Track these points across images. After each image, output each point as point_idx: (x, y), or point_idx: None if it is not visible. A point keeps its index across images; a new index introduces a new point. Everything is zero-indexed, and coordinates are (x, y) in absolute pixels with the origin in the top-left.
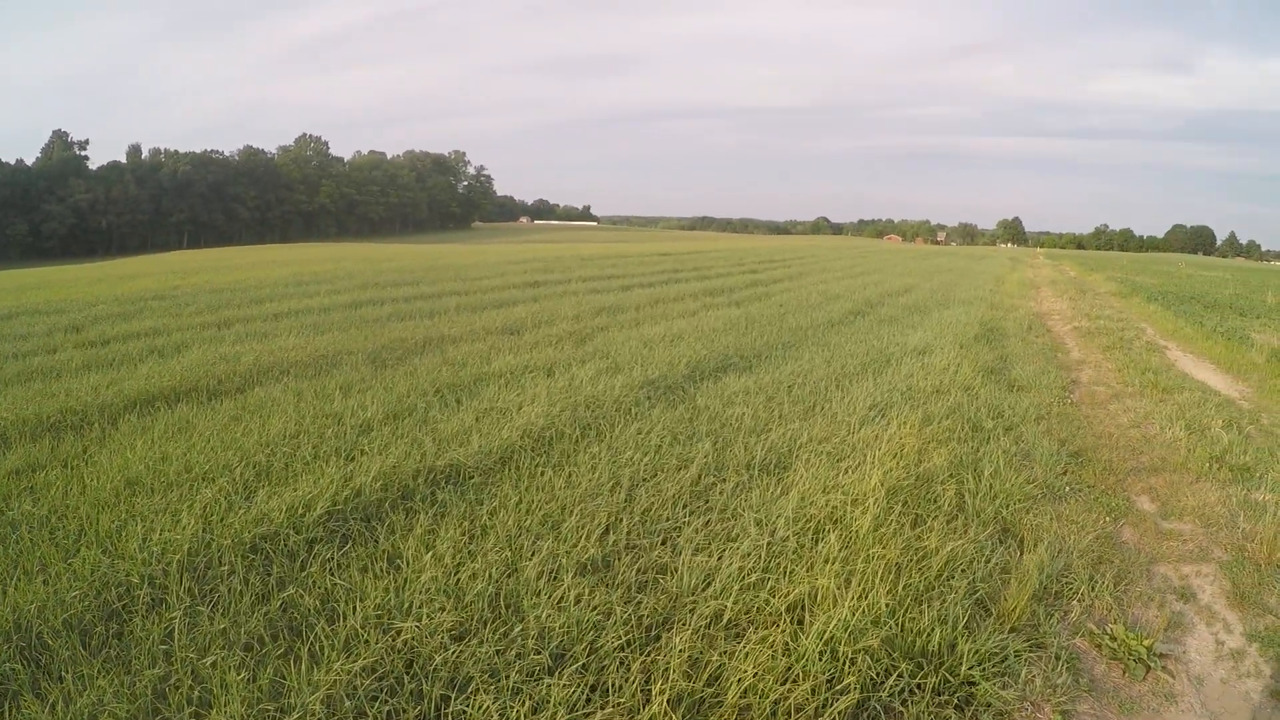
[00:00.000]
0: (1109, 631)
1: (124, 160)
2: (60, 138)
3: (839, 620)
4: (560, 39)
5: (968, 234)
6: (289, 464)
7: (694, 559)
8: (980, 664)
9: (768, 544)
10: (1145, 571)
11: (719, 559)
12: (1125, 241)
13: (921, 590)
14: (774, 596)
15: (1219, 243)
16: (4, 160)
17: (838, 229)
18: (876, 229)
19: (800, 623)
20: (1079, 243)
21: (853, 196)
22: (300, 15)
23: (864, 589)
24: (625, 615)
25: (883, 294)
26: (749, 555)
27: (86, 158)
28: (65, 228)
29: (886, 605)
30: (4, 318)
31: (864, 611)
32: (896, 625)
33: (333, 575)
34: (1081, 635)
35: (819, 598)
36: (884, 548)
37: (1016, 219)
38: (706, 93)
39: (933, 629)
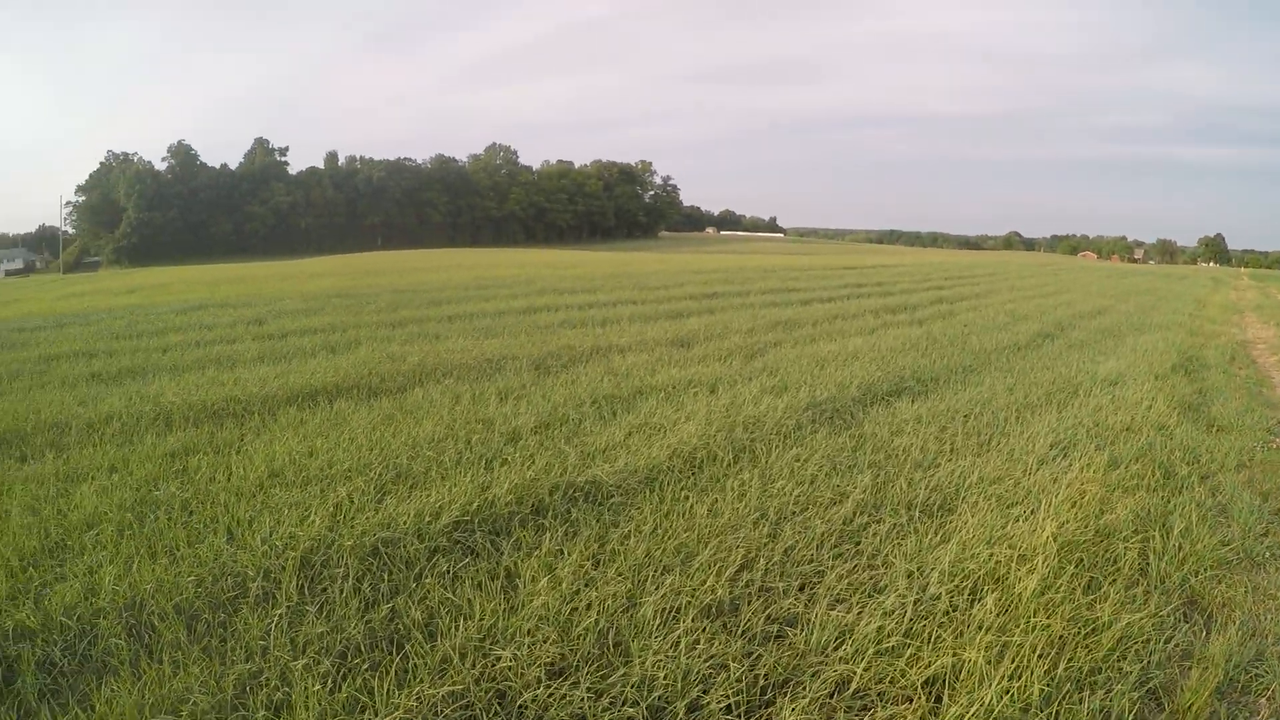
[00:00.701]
0: None
1: (321, 166)
2: (261, 144)
3: (983, 704)
4: (742, 47)
5: (1166, 251)
6: (429, 469)
7: (830, 613)
8: None
9: (915, 601)
10: None
11: (858, 614)
12: None
13: (1085, 673)
14: (911, 667)
15: None
16: (210, 165)
17: (1029, 244)
18: (1070, 245)
19: (938, 702)
20: None
21: (1045, 210)
22: (489, 29)
23: (1017, 667)
24: (739, 671)
25: (1074, 315)
26: (892, 613)
27: (286, 163)
28: (266, 228)
29: (1041, 690)
30: (194, 309)
31: (1013, 696)
32: (1049, 717)
33: (445, 589)
34: None
35: (963, 673)
36: (1048, 617)
37: (1219, 236)
38: (887, 101)
39: None
